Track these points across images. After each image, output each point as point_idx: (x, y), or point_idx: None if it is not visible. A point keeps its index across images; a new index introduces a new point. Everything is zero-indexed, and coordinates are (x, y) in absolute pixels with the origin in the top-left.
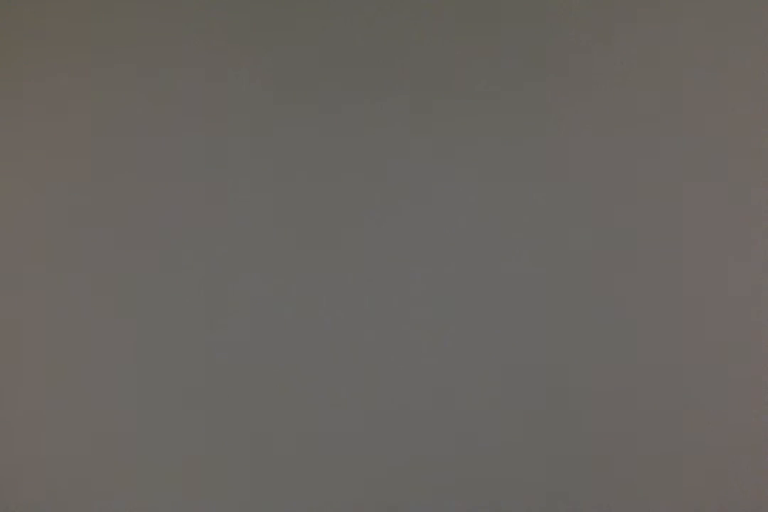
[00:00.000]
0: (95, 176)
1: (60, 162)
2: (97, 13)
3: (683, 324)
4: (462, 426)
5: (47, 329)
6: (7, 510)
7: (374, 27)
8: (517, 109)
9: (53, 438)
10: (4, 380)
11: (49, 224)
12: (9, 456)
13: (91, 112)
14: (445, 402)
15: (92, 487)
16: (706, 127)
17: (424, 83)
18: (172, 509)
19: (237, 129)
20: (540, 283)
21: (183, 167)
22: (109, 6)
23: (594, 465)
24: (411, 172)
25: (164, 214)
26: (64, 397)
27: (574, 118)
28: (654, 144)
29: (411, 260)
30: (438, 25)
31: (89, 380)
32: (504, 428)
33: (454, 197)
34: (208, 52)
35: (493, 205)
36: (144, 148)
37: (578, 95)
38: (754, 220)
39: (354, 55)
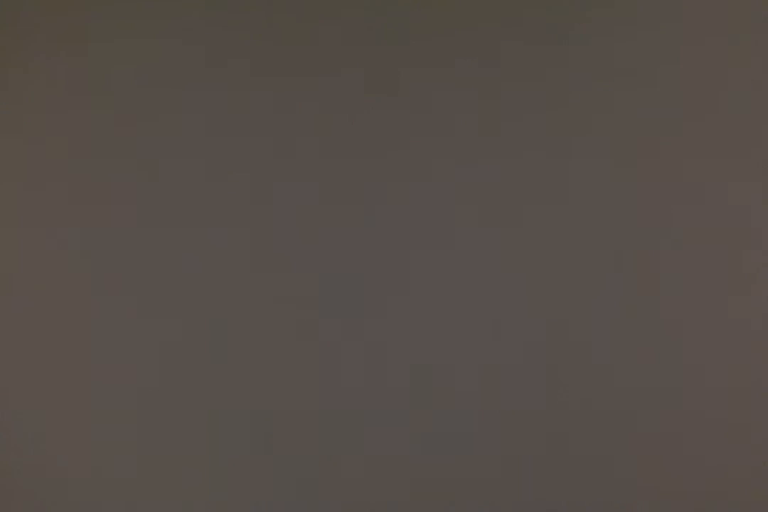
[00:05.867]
0: (96, 185)
1: (62, 162)
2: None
3: (683, 325)
4: (463, 432)
5: (47, 334)
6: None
7: (372, 22)
8: (518, 113)
9: (55, 446)
10: (6, 384)
11: (49, 230)
12: (8, 458)
13: (94, 115)
14: (445, 405)
15: (90, 493)
16: (708, 141)
17: (422, 86)
18: None
19: (236, 133)
20: (541, 288)
21: (183, 172)
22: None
23: (593, 465)
24: (410, 171)
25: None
26: (64, 405)
27: (576, 122)
28: (654, 151)
29: (410, 263)
30: (438, 23)
31: (91, 388)
32: (503, 432)
33: (453, 200)
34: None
35: (492, 209)
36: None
37: (580, 101)
38: (755, 231)
39: (350, 51)
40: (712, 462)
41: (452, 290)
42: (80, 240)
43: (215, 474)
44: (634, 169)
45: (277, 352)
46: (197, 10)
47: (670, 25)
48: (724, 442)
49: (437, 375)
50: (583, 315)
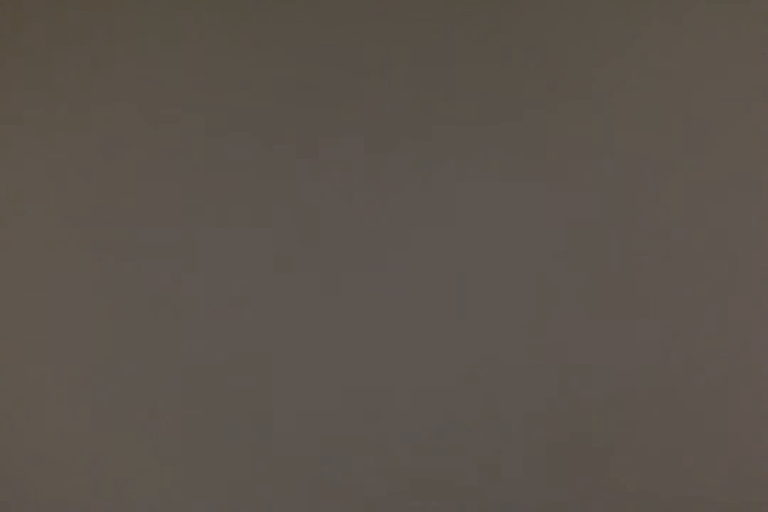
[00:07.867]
0: (97, 194)
1: (60, 171)
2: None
3: (681, 325)
4: (462, 436)
5: (45, 325)
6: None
7: (377, 36)
8: (519, 122)
9: (49, 437)
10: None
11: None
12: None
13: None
14: (444, 405)
15: (84, 485)
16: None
17: (428, 101)
18: (162, 507)
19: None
20: (541, 288)
21: (182, 177)
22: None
23: (593, 466)
24: (410, 175)
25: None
26: (66, 407)
27: (576, 124)
28: (656, 152)
29: (410, 262)
30: (441, 37)
31: (83, 378)
32: (503, 432)
33: (452, 203)
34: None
35: (492, 211)
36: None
37: (583, 106)
38: (757, 231)
39: (353, 58)
40: (712, 464)
41: (451, 290)
42: (83, 239)
43: (213, 472)
44: (635, 172)
45: (276, 352)
46: (198, 76)
47: (673, 28)
48: (723, 443)
49: (436, 375)
50: (582, 314)
